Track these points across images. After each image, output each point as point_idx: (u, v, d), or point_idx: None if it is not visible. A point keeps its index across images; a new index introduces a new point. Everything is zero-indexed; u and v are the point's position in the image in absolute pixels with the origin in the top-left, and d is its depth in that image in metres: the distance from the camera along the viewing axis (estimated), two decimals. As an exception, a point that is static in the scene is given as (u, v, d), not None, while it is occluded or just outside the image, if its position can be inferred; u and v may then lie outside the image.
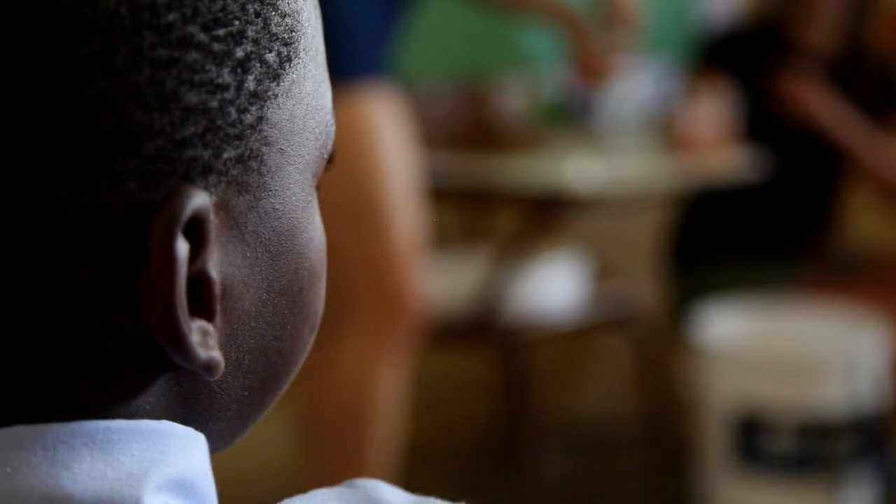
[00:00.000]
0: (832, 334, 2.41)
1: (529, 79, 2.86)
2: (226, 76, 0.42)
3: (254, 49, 0.44)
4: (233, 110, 0.43)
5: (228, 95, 0.43)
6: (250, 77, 0.43)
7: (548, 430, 2.56)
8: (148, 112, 0.41)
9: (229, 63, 0.43)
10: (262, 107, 0.44)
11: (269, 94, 0.44)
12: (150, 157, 0.41)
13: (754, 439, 2.32)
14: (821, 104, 2.58)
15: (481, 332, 2.29)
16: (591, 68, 2.28)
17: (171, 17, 0.41)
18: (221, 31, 0.42)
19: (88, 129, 0.41)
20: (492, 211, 2.69)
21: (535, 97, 2.86)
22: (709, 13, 3.12)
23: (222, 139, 0.43)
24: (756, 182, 2.52)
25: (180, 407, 0.44)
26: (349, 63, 1.83)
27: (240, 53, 0.43)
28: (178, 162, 0.42)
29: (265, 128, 0.44)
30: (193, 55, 0.42)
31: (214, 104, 0.42)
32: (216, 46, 0.42)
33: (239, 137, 0.43)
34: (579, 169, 2.18)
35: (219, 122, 0.42)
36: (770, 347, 2.36)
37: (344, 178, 1.83)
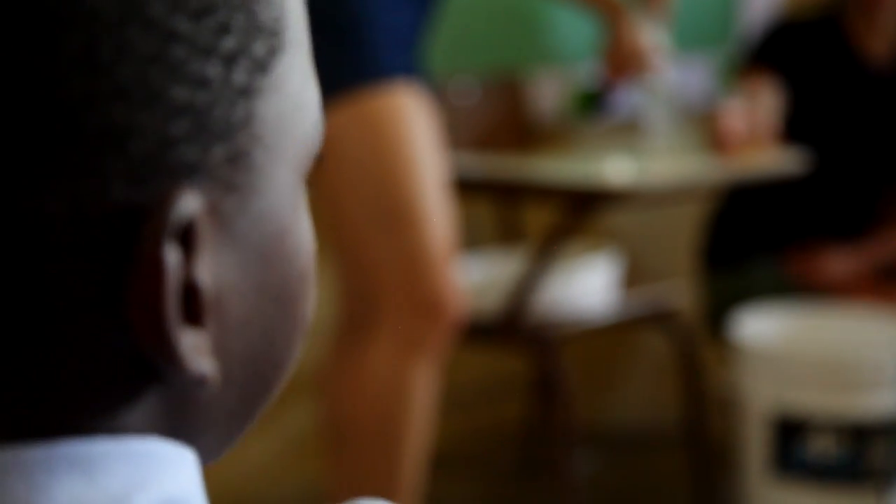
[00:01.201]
0: (876, 336, 2.36)
1: (563, 74, 2.81)
2: (213, 70, 0.41)
3: (241, 40, 0.41)
4: (220, 106, 0.41)
5: (216, 91, 0.41)
6: (238, 70, 0.41)
7: (581, 431, 2.51)
8: (133, 110, 0.39)
9: (216, 56, 0.41)
10: (250, 102, 0.42)
11: (257, 88, 0.42)
12: (136, 157, 0.39)
13: (795, 443, 2.27)
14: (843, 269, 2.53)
15: (514, 330, 2.25)
16: (623, 62, 2.23)
17: (155, 8, 0.39)
18: (207, 23, 0.41)
19: (72, 130, 0.39)
20: (525, 208, 2.65)
21: (568, 93, 2.82)
22: (754, 8, 3.06)
23: (210, 137, 0.41)
24: (798, 180, 2.47)
25: (168, 422, 0.42)
26: (380, 61, 1.80)
27: (227, 46, 0.41)
28: (166, 162, 0.40)
29: (253, 124, 0.42)
30: (179, 49, 0.40)
31: (202, 100, 0.40)
32: (202, 39, 0.40)
33: (227, 135, 0.41)
34: (613, 165, 2.14)
35: (206, 120, 0.41)
36: (811, 349, 2.31)
37: (377, 177, 1.80)
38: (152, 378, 0.41)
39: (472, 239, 2.74)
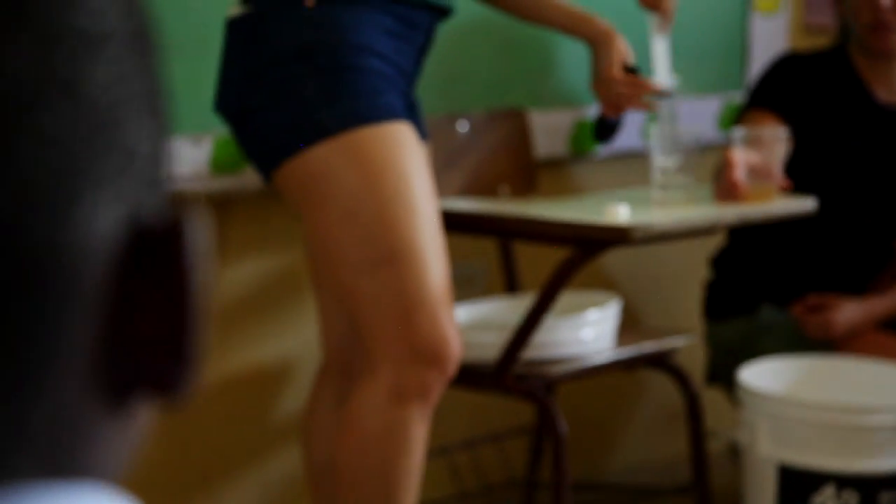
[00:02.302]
0: (885, 389, 2.32)
1: (570, 115, 2.79)
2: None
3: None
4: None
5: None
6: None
7: (581, 477, 2.47)
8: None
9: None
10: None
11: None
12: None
13: (800, 494, 2.22)
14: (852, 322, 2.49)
15: (510, 375, 2.21)
16: (616, 97, 2.17)
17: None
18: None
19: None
20: (526, 250, 2.62)
21: (575, 128, 2.79)
22: (763, 50, 3.04)
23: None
24: (806, 226, 2.43)
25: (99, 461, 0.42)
26: (370, 102, 1.80)
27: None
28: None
29: None
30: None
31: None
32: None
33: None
34: (618, 207, 2.10)
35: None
36: (819, 400, 2.27)
37: (371, 216, 1.77)
38: (104, 420, 0.42)
39: (471, 281, 2.70)
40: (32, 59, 0.39)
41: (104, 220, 0.41)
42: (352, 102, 1.78)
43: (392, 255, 1.76)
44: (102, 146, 0.41)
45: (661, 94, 2.25)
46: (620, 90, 2.15)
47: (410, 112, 1.94)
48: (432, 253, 1.78)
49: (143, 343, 0.42)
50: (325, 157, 1.77)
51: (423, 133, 2.04)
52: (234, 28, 1.87)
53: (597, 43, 2.15)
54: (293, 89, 1.79)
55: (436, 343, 1.77)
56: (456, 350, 1.79)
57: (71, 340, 0.40)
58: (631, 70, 2.16)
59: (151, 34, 0.45)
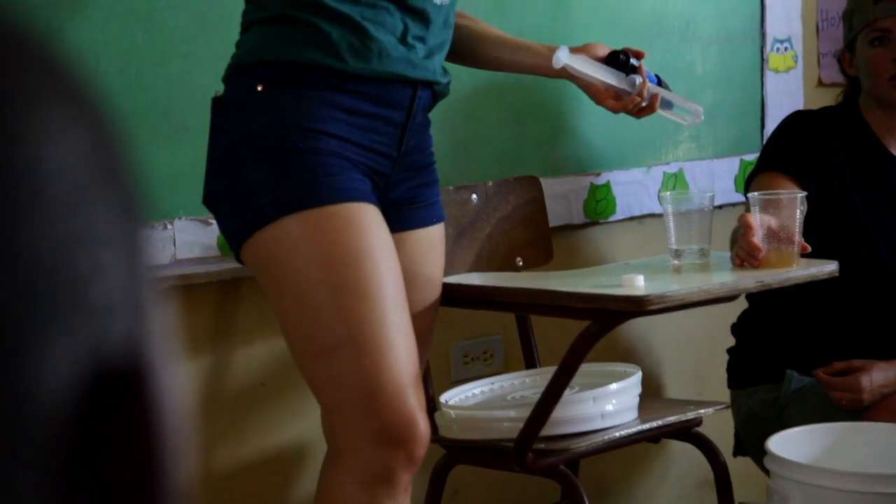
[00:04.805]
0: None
1: (584, 181, 2.75)
2: None
3: None
4: None
5: None
6: None
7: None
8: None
9: None
10: None
11: None
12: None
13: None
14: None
15: (531, 451, 2.15)
16: (626, 102, 2.13)
17: None
18: None
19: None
20: (546, 322, 2.57)
21: (589, 199, 2.76)
22: (777, 109, 3.00)
23: None
24: (828, 291, 2.37)
25: None
26: (318, 188, 1.77)
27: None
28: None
29: None
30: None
31: None
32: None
33: None
34: (633, 279, 2.06)
35: None
36: (847, 468, 2.21)
37: (321, 308, 1.75)
38: None
39: (489, 355, 2.66)
40: None
41: (55, 366, 0.37)
42: (295, 186, 1.77)
43: (344, 342, 1.74)
44: (47, 289, 0.37)
45: (685, 114, 2.24)
46: (630, 107, 2.13)
47: (414, 192, 1.91)
48: (390, 336, 1.75)
49: (110, 500, 0.38)
50: (273, 241, 1.77)
51: (435, 216, 2.01)
52: (211, 112, 1.89)
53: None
54: (240, 176, 1.80)
55: (398, 426, 1.74)
56: (422, 431, 1.76)
57: (25, 501, 0.36)
58: (616, 55, 2.13)
59: (112, 145, 0.41)
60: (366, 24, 1.82)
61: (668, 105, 2.23)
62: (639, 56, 2.15)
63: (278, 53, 1.81)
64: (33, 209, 0.37)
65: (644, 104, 2.14)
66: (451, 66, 2.03)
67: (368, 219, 1.78)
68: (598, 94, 2.14)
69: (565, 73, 2.11)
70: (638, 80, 2.13)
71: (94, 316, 0.38)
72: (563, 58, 2.07)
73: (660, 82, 2.20)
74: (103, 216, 0.39)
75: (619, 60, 2.14)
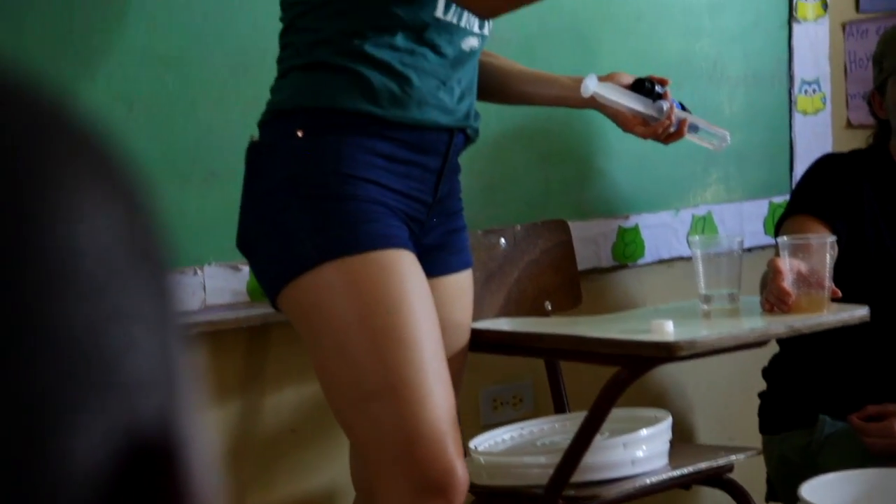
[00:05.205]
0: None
1: (612, 224, 2.75)
2: None
3: None
4: None
5: None
6: None
7: None
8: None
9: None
10: None
11: None
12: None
13: None
14: None
15: (566, 498, 2.14)
16: (655, 128, 2.14)
17: None
18: None
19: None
20: (576, 366, 2.56)
21: (618, 242, 2.75)
22: (806, 152, 2.99)
23: None
24: (861, 335, 2.35)
25: None
26: (357, 234, 1.77)
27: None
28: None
29: None
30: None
31: None
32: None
33: None
34: (662, 324, 2.04)
35: None
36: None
37: (361, 356, 1.74)
38: None
39: (519, 400, 2.65)
40: None
41: (88, 444, 0.37)
42: (335, 232, 1.77)
43: (384, 390, 1.73)
44: (80, 367, 0.37)
45: (712, 138, 2.24)
46: (659, 132, 2.13)
47: (445, 238, 1.91)
48: (429, 383, 1.74)
49: None
50: (313, 288, 1.76)
51: (464, 262, 2.01)
52: (246, 158, 1.89)
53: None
54: (280, 221, 1.80)
55: (437, 476, 1.72)
56: (461, 480, 1.75)
57: None
58: (641, 83, 2.15)
59: (144, 221, 0.41)
60: (405, 70, 1.83)
61: (695, 129, 2.23)
62: (663, 83, 2.15)
63: (319, 100, 1.81)
64: (66, 289, 0.37)
65: (672, 129, 2.14)
66: (479, 110, 2.04)
67: (407, 265, 1.78)
68: (626, 121, 2.15)
69: (593, 102, 2.12)
70: (665, 105, 2.13)
71: (127, 393, 0.38)
72: (591, 86, 2.08)
73: (683, 109, 2.21)
74: (136, 292, 0.39)
75: (644, 87, 2.14)
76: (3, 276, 0.36)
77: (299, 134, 1.80)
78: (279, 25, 1.92)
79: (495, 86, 2.13)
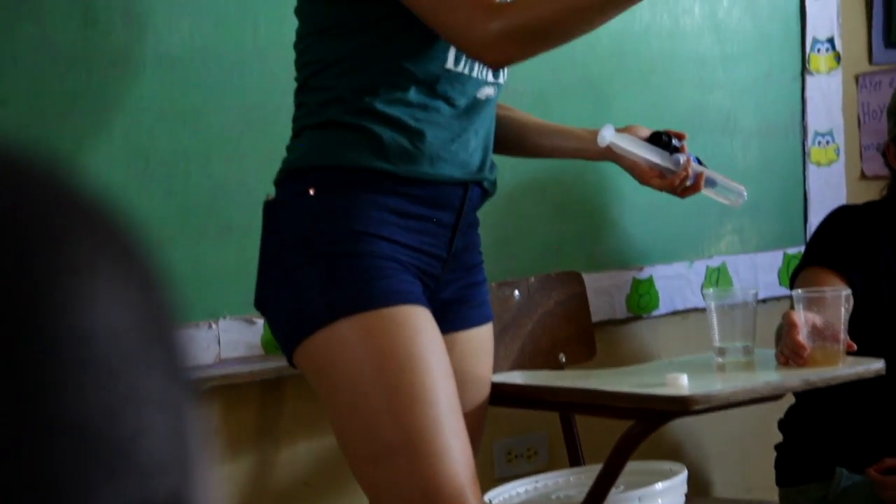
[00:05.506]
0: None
1: (626, 275, 2.75)
2: None
3: None
4: None
5: None
6: None
7: None
8: None
9: None
10: None
11: None
12: None
13: None
14: None
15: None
16: (673, 181, 2.13)
17: None
18: None
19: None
20: (591, 419, 2.55)
21: (632, 293, 2.75)
22: (820, 203, 2.99)
23: None
24: (876, 387, 2.33)
25: None
26: (370, 291, 1.77)
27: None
28: None
29: None
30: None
31: None
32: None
33: None
34: (676, 378, 2.04)
35: None
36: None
37: (376, 412, 1.74)
38: None
39: (533, 453, 2.64)
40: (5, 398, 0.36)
41: None
42: (349, 289, 1.77)
43: (400, 446, 1.72)
44: (95, 452, 0.37)
45: (729, 194, 2.23)
46: (676, 184, 2.12)
47: (463, 292, 1.91)
48: (446, 438, 1.73)
49: None
50: (328, 345, 1.76)
51: (484, 316, 2.00)
52: (262, 216, 1.90)
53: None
54: (294, 279, 1.81)
55: None
56: None
57: None
58: (658, 136, 2.14)
59: (156, 294, 0.41)
60: (419, 125, 1.84)
61: (712, 184, 2.22)
62: (680, 137, 2.15)
63: (330, 158, 1.83)
64: (81, 376, 0.38)
65: (689, 182, 2.14)
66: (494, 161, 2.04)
67: (421, 321, 1.78)
68: (642, 173, 2.14)
69: (609, 154, 2.11)
70: (682, 158, 2.13)
71: (142, 476, 0.38)
72: (608, 136, 2.07)
73: (700, 163, 2.20)
74: (149, 375, 0.40)
75: (662, 140, 2.14)
76: (19, 365, 0.37)
77: (311, 192, 1.81)
78: (294, 81, 1.93)
79: (512, 139, 2.13)
